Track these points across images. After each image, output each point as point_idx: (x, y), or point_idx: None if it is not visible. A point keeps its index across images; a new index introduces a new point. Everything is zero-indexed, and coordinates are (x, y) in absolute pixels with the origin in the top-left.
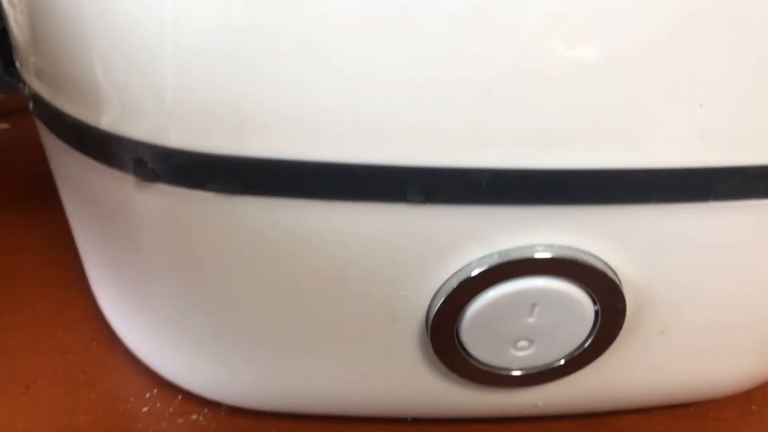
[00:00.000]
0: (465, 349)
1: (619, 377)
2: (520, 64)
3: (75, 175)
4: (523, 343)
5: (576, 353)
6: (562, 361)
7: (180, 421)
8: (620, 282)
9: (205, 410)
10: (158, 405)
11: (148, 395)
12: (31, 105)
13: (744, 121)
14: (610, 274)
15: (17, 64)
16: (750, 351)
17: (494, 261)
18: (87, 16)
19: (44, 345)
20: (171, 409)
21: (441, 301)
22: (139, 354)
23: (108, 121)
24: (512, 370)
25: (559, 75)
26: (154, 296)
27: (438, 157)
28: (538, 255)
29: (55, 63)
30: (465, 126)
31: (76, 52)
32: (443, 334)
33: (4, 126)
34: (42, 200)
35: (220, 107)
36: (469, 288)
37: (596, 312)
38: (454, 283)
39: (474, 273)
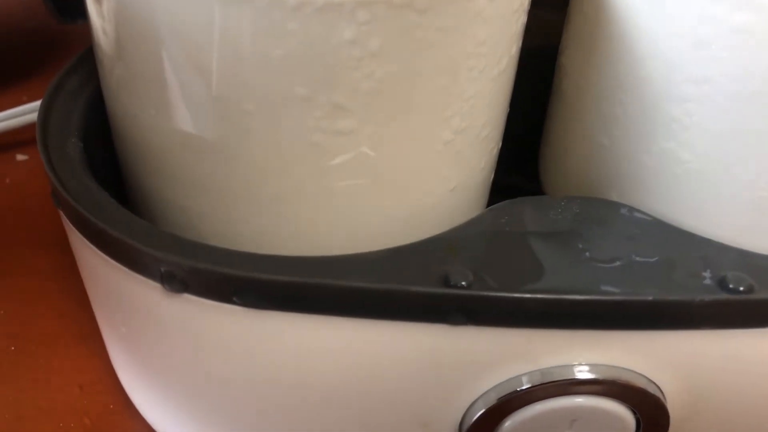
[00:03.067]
0: None
1: None
2: None
3: (98, 271)
4: None
5: None
6: None
7: None
8: (665, 398)
9: None
10: None
11: None
12: (53, 196)
13: None
14: (654, 391)
15: None
16: None
17: (537, 379)
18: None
19: (61, 406)
20: None
21: (478, 414)
22: (158, 429)
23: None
24: None
25: None
26: (175, 391)
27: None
28: (583, 375)
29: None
30: None
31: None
32: None
33: (22, 158)
34: (61, 244)
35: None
36: (508, 403)
37: (637, 423)
38: (493, 397)
39: (515, 389)
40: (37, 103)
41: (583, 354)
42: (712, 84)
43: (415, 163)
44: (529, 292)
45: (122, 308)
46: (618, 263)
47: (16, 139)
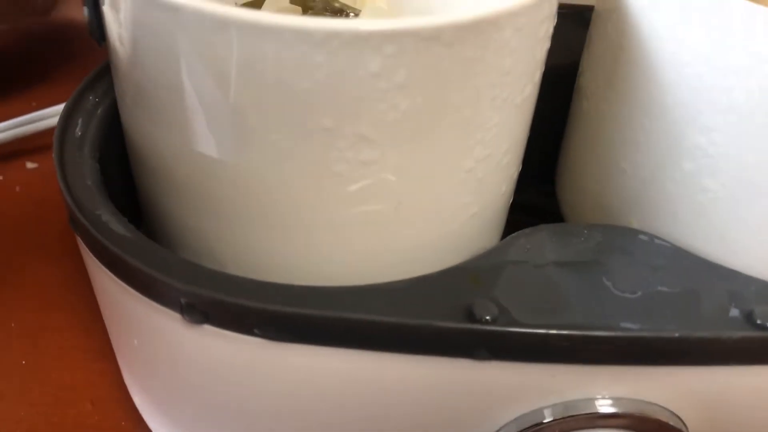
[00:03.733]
0: None
1: None
2: None
3: (116, 297)
4: None
5: None
6: None
7: None
8: (687, 429)
9: None
10: None
11: None
12: (70, 221)
13: None
14: (677, 424)
15: None
16: None
17: (559, 413)
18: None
19: (72, 422)
20: None
21: None
22: None
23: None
24: None
25: None
26: (189, 414)
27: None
28: (605, 409)
29: None
30: None
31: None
32: None
33: (32, 165)
34: (73, 254)
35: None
36: None
37: None
38: (514, 430)
39: (537, 422)
40: (47, 110)
41: (607, 388)
42: (738, 113)
43: (437, 190)
44: (554, 328)
45: (139, 333)
46: (642, 295)
47: (26, 146)
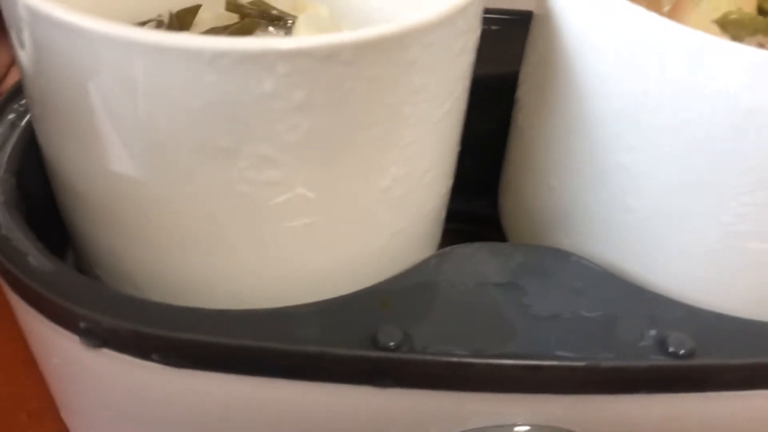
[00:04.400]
0: None
1: None
2: None
3: (22, 314)
4: None
5: None
6: None
7: None
8: None
9: None
10: None
11: None
12: None
13: None
14: None
15: None
16: None
17: None
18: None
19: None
20: None
21: None
22: None
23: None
24: None
25: None
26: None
27: None
28: None
29: None
30: None
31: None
32: None
33: None
34: None
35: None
36: None
37: None
38: None
39: None
40: None
41: (517, 415)
42: (660, 134)
43: (352, 210)
44: (457, 356)
45: (47, 352)
46: (558, 320)
47: None
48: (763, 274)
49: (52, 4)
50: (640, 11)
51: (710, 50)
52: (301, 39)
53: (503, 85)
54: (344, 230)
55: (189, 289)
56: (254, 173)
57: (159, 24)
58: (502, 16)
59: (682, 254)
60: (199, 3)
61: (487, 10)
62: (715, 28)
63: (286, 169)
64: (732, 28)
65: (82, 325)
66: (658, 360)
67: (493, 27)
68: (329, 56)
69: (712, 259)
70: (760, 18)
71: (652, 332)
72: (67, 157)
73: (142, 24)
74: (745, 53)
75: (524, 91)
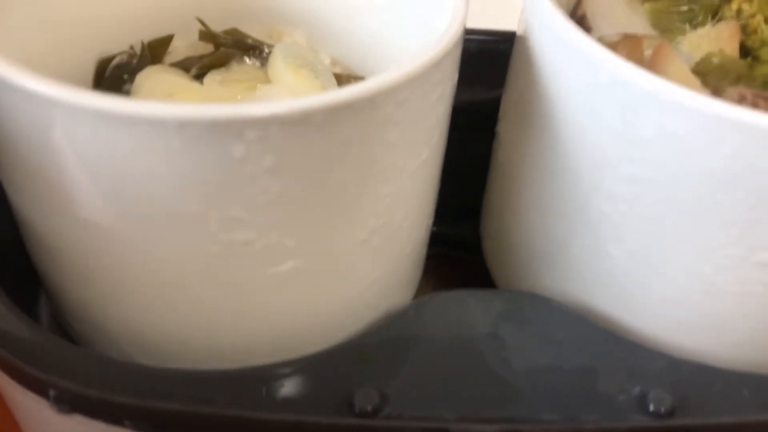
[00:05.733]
0: None
1: None
2: None
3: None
4: None
5: None
6: None
7: None
8: None
9: None
10: None
11: None
12: None
13: None
14: None
15: None
16: None
17: None
18: None
19: None
20: None
21: None
22: None
23: None
24: None
25: None
26: None
27: None
28: None
29: None
30: None
31: None
32: None
33: None
34: None
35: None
36: None
37: None
38: None
39: None
40: None
41: None
42: (642, 185)
43: (328, 263)
44: (436, 422)
45: (22, 409)
46: (539, 375)
47: None
48: (745, 320)
49: (12, 70)
50: (613, 61)
51: (680, 106)
52: (269, 105)
53: (489, 109)
54: (321, 281)
55: (164, 343)
56: (226, 234)
57: (130, 57)
58: (489, 38)
59: (664, 301)
60: (172, 33)
61: (473, 32)
62: (696, 79)
63: (258, 229)
64: (713, 77)
65: (51, 392)
66: (639, 420)
67: (481, 49)
68: (299, 121)
69: (693, 306)
70: (741, 61)
71: (633, 388)
72: (35, 209)
73: (112, 58)
74: (711, 109)
75: (504, 128)
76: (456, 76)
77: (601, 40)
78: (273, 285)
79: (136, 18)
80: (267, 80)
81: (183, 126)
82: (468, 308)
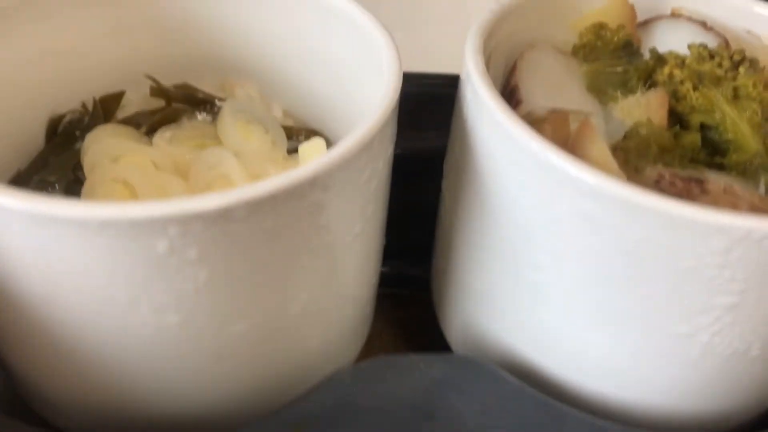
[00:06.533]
0: None
1: None
2: None
3: None
4: None
5: None
6: None
7: None
8: None
9: None
10: None
11: None
12: None
13: None
14: None
15: None
16: None
17: None
18: None
19: None
20: None
21: None
22: None
23: None
24: None
25: None
26: None
27: None
28: None
29: None
30: None
31: None
32: None
33: None
34: None
35: None
36: None
37: None
38: None
39: None
40: None
41: None
42: (565, 260)
43: (263, 336)
44: None
45: None
46: None
47: None
48: (663, 379)
49: None
50: (536, 143)
51: (596, 190)
52: (190, 201)
53: (443, 151)
54: (257, 353)
55: (109, 413)
56: (156, 317)
57: (82, 114)
58: (441, 82)
59: (596, 366)
60: (123, 90)
61: (426, 76)
62: (614, 160)
63: (188, 312)
64: (634, 155)
65: None
66: None
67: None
68: (221, 216)
69: (619, 372)
70: (667, 133)
71: None
72: None
73: (62, 117)
74: (624, 195)
75: (446, 187)
76: (391, 148)
77: (530, 115)
78: (207, 358)
79: (88, 75)
80: (217, 136)
81: (104, 226)
82: (403, 377)
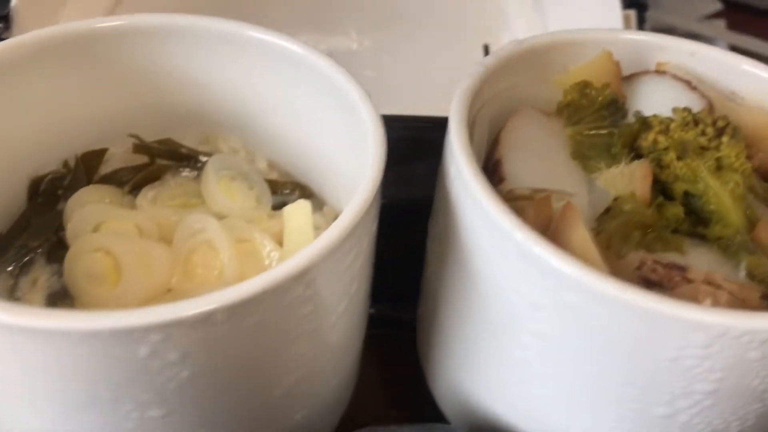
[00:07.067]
0: None
1: None
2: None
3: None
4: None
5: None
6: None
7: None
8: None
9: None
10: None
11: None
12: None
13: None
14: None
15: None
16: None
17: None
18: None
19: None
20: None
21: None
22: None
23: None
24: None
25: None
26: None
27: None
28: None
29: None
30: None
31: None
32: None
33: None
34: None
35: None
36: None
37: None
38: None
39: None
40: None
41: None
42: (548, 341)
43: (247, 418)
44: None
45: None
46: None
47: None
48: None
49: None
50: (517, 230)
51: (576, 281)
52: (170, 308)
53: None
54: (240, 428)
55: None
56: (140, 412)
57: (64, 173)
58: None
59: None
60: (106, 147)
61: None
62: (598, 243)
63: (171, 406)
64: (616, 241)
65: None
66: None
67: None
68: (202, 321)
69: None
70: (649, 211)
71: None
72: None
73: (45, 176)
74: (603, 288)
75: (431, 247)
76: (375, 223)
77: (512, 193)
78: None
79: (69, 131)
80: (201, 194)
81: (85, 336)
82: None
